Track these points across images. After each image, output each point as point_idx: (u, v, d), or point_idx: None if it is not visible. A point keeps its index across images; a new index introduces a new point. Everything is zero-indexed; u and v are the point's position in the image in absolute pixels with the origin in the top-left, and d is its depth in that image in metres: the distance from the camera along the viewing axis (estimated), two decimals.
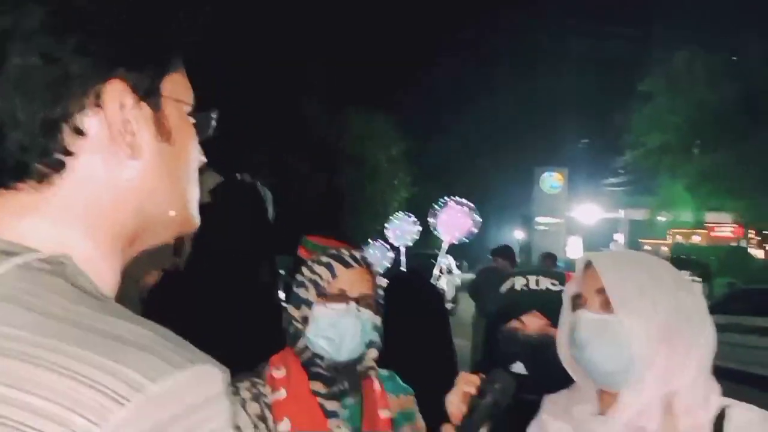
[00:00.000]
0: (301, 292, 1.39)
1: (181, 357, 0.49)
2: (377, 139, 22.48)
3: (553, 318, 1.34)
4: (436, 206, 7.25)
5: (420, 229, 7.67)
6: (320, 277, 1.37)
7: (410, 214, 7.86)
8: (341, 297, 1.36)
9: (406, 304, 2.13)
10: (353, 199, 20.87)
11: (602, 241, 25.40)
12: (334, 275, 1.37)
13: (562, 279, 1.45)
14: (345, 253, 1.42)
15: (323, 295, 1.37)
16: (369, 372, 1.40)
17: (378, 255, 8.30)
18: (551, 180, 31.64)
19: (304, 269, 1.42)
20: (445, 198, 7.31)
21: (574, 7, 38.55)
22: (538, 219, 31.48)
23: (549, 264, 7.93)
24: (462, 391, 1.15)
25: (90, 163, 0.57)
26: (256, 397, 1.31)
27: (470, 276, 10.70)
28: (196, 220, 0.67)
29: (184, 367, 0.48)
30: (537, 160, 32.53)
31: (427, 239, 8.55)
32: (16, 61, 0.54)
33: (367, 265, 1.43)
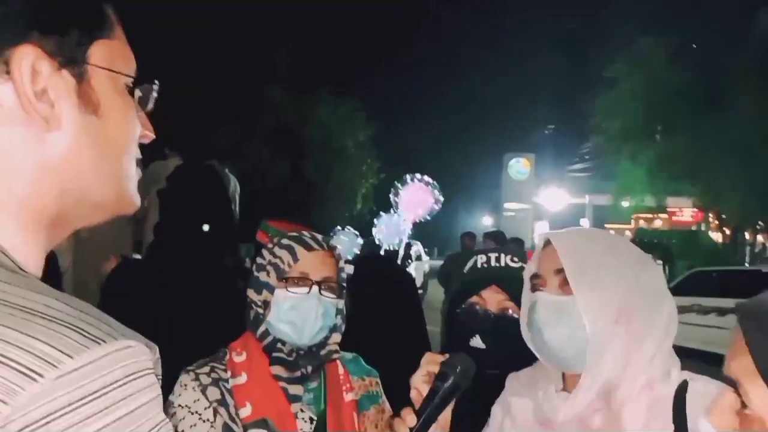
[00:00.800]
0: (261, 275, 1.35)
1: (103, 332, 0.46)
2: (344, 125, 22.32)
3: (512, 292, 1.34)
4: (398, 185, 7.13)
5: (411, 226, 7.44)
6: (281, 260, 1.34)
7: (399, 213, 7.60)
8: (303, 280, 1.33)
9: (378, 287, 2.12)
10: (321, 185, 20.72)
11: (568, 227, 25.77)
12: (295, 258, 1.34)
13: (522, 256, 1.46)
14: (306, 235, 1.39)
15: (284, 278, 1.33)
16: (332, 355, 1.38)
17: (347, 242, 8.18)
18: (518, 166, 32.00)
19: (265, 252, 1.38)
20: (407, 177, 7.15)
21: None
22: (506, 205, 31.83)
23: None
24: (427, 371, 1.14)
25: (6, 136, 0.53)
26: (216, 382, 1.28)
27: (439, 263, 10.73)
28: (135, 199, 0.62)
29: (106, 342, 0.46)
30: (505, 147, 32.84)
31: None
32: None
33: (329, 248, 1.40)
